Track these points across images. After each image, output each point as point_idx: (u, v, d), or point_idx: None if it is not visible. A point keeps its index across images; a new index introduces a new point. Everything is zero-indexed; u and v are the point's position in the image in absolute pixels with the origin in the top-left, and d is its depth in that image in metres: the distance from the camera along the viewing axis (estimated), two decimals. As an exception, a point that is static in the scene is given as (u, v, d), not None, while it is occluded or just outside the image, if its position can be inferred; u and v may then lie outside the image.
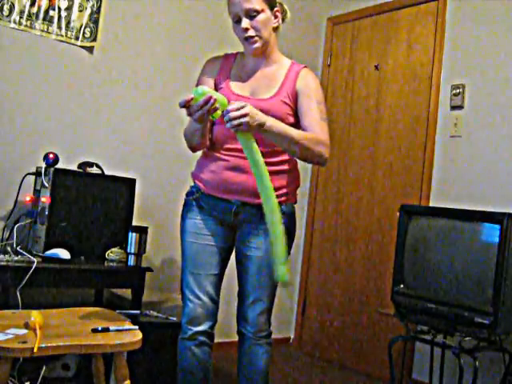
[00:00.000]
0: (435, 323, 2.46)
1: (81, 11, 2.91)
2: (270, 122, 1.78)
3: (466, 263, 2.42)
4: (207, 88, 1.73)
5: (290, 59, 2.07)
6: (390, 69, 3.54)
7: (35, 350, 1.53)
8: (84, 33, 2.93)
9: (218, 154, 1.99)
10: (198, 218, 2.03)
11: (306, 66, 2.04)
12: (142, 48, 3.18)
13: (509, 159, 2.87)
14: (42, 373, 2.41)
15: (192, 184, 2.09)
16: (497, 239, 2.30)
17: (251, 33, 1.92)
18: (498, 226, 2.31)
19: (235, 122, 1.66)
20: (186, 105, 1.70)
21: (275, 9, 1.97)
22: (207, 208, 2.02)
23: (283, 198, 1.99)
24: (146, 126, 3.21)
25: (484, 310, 2.28)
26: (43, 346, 1.57)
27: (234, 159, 1.94)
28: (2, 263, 2.29)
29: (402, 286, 2.62)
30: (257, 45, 1.94)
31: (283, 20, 2.05)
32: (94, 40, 2.96)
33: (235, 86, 1.99)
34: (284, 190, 2.00)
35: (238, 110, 1.67)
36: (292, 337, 3.95)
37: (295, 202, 2.10)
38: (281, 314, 3.84)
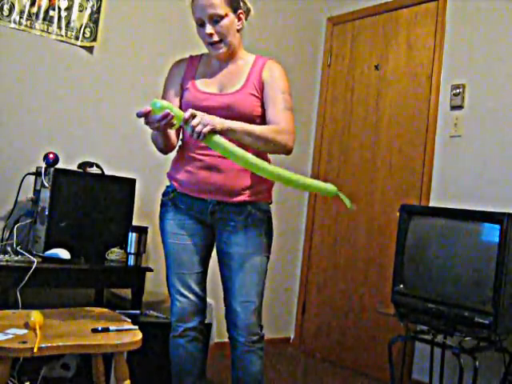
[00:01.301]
0: (435, 323, 2.46)
1: (81, 11, 2.91)
2: (229, 122, 1.79)
3: (466, 263, 2.42)
4: (166, 102, 1.75)
5: (253, 54, 2.06)
6: (390, 69, 3.54)
7: (35, 350, 1.53)
8: (84, 33, 2.93)
9: (192, 154, 1.99)
10: (176, 218, 2.03)
11: (271, 59, 2.04)
12: (141, 48, 3.18)
13: (509, 159, 2.87)
14: (42, 373, 2.41)
15: (168, 184, 2.10)
16: (497, 239, 2.30)
17: (215, 38, 1.93)
18: (498, 226, 2.30)
19: (200, 136, 1.71)
20: (142, 116, 1.74)
21: (239, 11, 1.97)
22: (184, 207, 2.03)
23: (256, 197, 1.99)
24: (146, 126, 3.20)
25: (484, 310, 2.28)
26: (43, 346, 1.56)
27: (209, 158, 1.94)
28: (2, 263, 2.29)
29: (401, 286, 2.62)
30: (221, 50, 1.95)
31: (246, 18, 2.04)
32: (94, 40, 2.96)
33: (201, 84, 2.00)
34: (255, 189, 1.99)
35: (196, 122, 1.70)
36: (292, 337, 3.95)
37: (270, 202, 2.08)
38: (281, 314, 3.84)
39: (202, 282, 2.07)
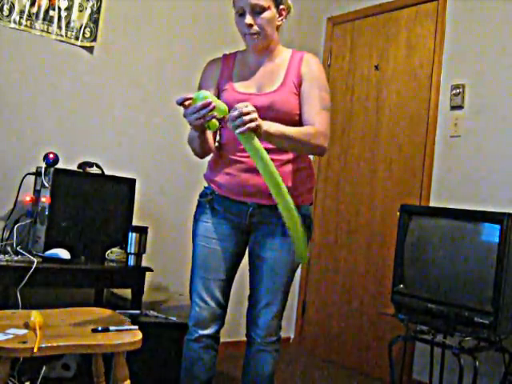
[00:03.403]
0: (435, 323, 2.46)
1: (81, 11, 2.91)
2: (267, 124, 1.71)
3: (466, 263, 2.42)
4: (209, 94, 1.67)
5: (289, 49, 2.03)
6: (390, 69, 3.54)
7: (35, 350, 1.53)
8: (84, 33, 2.93)
9: (232, 156, 1.93)
10: (211, 222, 1.99)
11: (308, 52, 2.01)
12: (141, 48, 3.18)
13: (509, 159, 2.87)
14: (42, 373, 2.41)
15: (205, 185, 2.05)
16: (497, 239, 2.30)
17: (254, 30, 1.88)
18: (498, 226, 2.30)
19: (244, 128, 1.60)
20: (183, 102, 1.66)
21: (281, 7, 1.93)
22: (221, 210, 1.98)
23: (298, 200, 1.91)
24: (146, 126, 3.21)
25: (484, 309, 2.28)
26: (43, 346, 1.56)
27: (251, 160, 1.86)
28: (2, 263, 2.29)
29: (401, 286, 2.62)
30: (257, 42, 1.90)
31: (286, 16, 1.99)
32: (94, 40, 2.96)
33: (239, 85, 1.95)
34: (298, 190, 1.94)
35: (245, 114, 1.60)
36: (292, 337, 3.95)
37: (311, 204, 2.03)
38: (281, 314, 3.84)
39: (226, 290, 2.01)
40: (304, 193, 1.99)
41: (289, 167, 1.93)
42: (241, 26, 1.91)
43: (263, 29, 1.88)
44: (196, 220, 2.04)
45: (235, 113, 1.61)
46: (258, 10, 1.86)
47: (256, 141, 1.66)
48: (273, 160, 1.82)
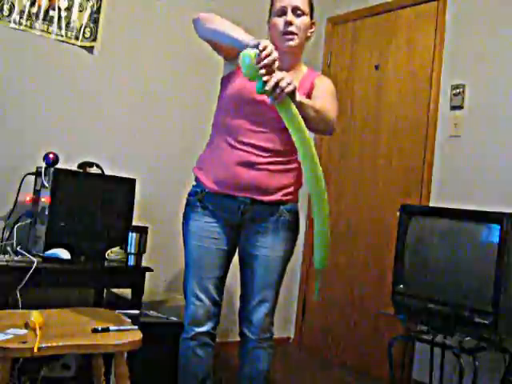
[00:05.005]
0: (435, 323, 2.46)
1: (81, 11, 2.91)
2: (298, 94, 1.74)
3: (465, 263, 2.42)
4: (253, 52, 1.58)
5: (306, 66, 2.11)
6: (390, 69, 3.54)
7: (35, 349, 1.53)
8: (84, 33, 2.93)
9: (229, 147, 1.95)
10: (203, 220, 2.00)
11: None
12: (141, 48, 3.17)
13: (509, 159, 2.87)
14: (42, 373, 2.41)
15: (194, 183, 2.06)
16: (497, 239, 2.30)
17: (293, 28, 1.96)
18: (497, 226, 2.30)
19: (282, 94, 1.58)
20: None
21: (313, 20, 2.06)
22: (212, 208, 1.99)
23: (289, 197, 2.01)
24: (146, 126, 3.21)
25: (484, 309, 2.28)
26: (43, 346, 1.57)
27: (247, 154, 1.91)
28: (2, 263, 2.29)
29: (401, 286, 2.62)
30: (292, 42, 1.97)
31: (311, 34, 2.09)
32: (94, 40, 2.96)
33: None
34: (290, 189, 2.01)
35: (280, 76, 1.59)
36: (292, 337, 3.95)
37: (297, 201, 2.10)
38: (281, 314, 3.83)
39: (220, 287, 2.04)
40: (294, 192, 2.05)
41: (281, 167, 1.98)
42: (279, 25, 1.98)
43: (299, 31, 1.98)
44: (187, 219, 2.05)
45: (272, 81, 1.57)
46: (298, 13, 1.98)
47: (293, 107, 1.63)
48: (267, 162, 1.91)
